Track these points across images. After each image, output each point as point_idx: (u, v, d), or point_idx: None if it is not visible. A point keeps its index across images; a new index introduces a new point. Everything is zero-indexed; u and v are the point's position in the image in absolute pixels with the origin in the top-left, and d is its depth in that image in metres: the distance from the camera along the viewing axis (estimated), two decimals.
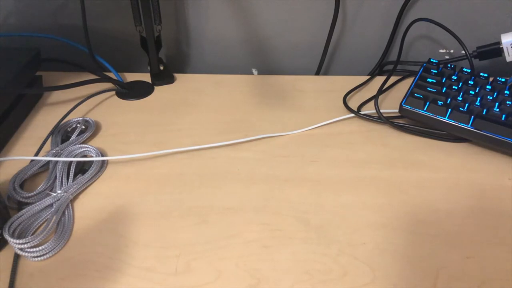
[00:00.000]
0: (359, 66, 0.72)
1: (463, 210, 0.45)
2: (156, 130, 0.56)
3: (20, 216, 0.42)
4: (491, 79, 0.58)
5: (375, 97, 0.58)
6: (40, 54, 0.61)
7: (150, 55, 0.64)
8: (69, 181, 0.47)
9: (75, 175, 0.48)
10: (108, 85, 0.64)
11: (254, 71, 0.74)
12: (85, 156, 0.51)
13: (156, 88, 0.65)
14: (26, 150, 0.53)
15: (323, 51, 0.69)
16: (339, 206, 0.46)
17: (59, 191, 0.45)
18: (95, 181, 0.49)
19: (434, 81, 0.57)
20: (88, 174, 0.48)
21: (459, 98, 0.55)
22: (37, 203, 0.44)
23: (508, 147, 0.50)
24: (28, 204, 0.45)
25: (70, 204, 0.45)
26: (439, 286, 0.38)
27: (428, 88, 0.56)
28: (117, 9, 0.69)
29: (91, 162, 0.49)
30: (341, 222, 0.44)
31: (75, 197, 0.47)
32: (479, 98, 0.54)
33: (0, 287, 0.38)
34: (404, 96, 0.56)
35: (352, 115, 0.58)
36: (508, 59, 0.60)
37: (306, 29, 0.70)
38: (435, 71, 0.59)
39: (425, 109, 0.54)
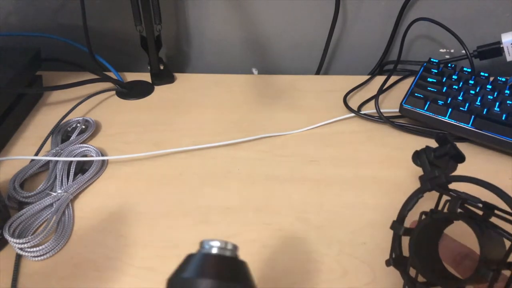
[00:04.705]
0: (360, 66, 0.72)
1: None
2: (156, 130, 0.56)
3: (20, 216, 0.42)
4: (491, 78, 0.58)
5: (375, 97, 0.58)
6: (40, 54, 0.61)
7: (150, 54, 0.64)
8: (69, 180, 0.47)
9: (75, 174, 0.48)
10: (108, 85, 0.64)
11: (254, 71, 0.74)
12: (85, 155, 0.51)
13: (156, 87, 0.65)
14: (26, 149, 0.53)
15: (323, 51, 0.69)
16: (339, 206, 0.45)
17: (59, 191, 0.45)
18: (95, 180, 0.49)
19: (435, 80, 0.57)
20: (88, 174, 0.48)
21: (460, 98, 0.55)
22: (37, 203, 0.44)
23: (509, 147, 0.50)
24: (28, 203, 0.45)
25: (70, 204, 0.45)
26: None
27: (428, 88, 0.56)
28: (117, 9, 0.68)
29: (91, 162, 0.49)
30: (341, 221, 0.44)
31: (75, 197, 0.47)
32: (479, 98, 0.54)
33: (0, 287, 0.38)
34: (405, 96, 0.56)
35: (353, 114, 0.58)
36: (509, 58, 0.60)
37: (306, 29, 0.69)
38: (436, 71, 0.59)
39: (425, 108, 0.54)
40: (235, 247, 0.26)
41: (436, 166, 0.34)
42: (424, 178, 0.34)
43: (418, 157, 0.35)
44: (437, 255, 0.34)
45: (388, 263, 0.34)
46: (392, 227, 0.34)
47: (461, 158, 0.34)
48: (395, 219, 0.34)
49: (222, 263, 0.25)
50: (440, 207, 0.32)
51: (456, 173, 0.49)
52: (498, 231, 0.29)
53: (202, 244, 0.26)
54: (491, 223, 0.31)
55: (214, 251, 0.25)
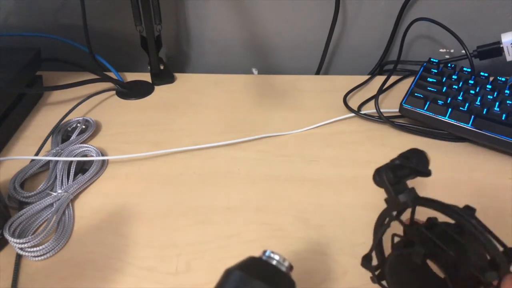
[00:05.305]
0: (360, 66, 0.72)
1: None
2: (156, 130, 0.56)
3: (21, 216, 0.42)
4: (491, 78, 0.58)
5: (375, 97, 0.58)
6: (40, 54, 0.61)
7: (150, 54, 0.64)
8: (69, 180, 0.47)
9: (76, 174, 0.48)
10: (108, 84, 0.64)
11: (254, 71, 0.74)
12: (86, 155, 0.51)
13: (156, 87, 0.65)
14: (26, 149, 0.53)
15: (323, 51, 0.69)
16: (339, 206, 0.45)
17: (60, 191, 0.45)
18: (95, 180, 0.49)
19: (435, 80, 0.57)
20: (88, 174, 0.48)
21: (460, 98, 0.55)
22: (38, 203, 0.44)
23: (508, 147, 0.50)
24: (28, 203, 0.45)
25: (70, 204, 0.45)
26: None
27: (428, 88, 0.56)
28: (117, 9, 0.69)
29: (91, 162, 0.49)
30: (341, 221, 0.44)
31: (76, 197, 0.47)
32: (479, 98, 0.54)
33: (1, 287, 0.38)
34: (405, 96, 0.56)
35: (352, 114, 0.58)
36: (508, 58, 0.60)
37: (306, 29, 0.70)
38: (436, 71, 0.59)
39: (425, 108, 0.54)
40: (290, 267, 0.29)
41: (402, 183, 0.31)
42: (389, 203, 0.31)
43: (378, 176, 0.31)
44: (426, 270, 0.34)
45: (373, 280, 0.34)
46: (363, 265, 0.34)
47: (425, 175, 0.31)
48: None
49: (275, 273, 0.28)
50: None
51: (454, 172, 0.49)
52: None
53: (264, 252, 0.29)
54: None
55: (273, 262, 0.29)
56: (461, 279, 0.28)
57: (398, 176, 0.30)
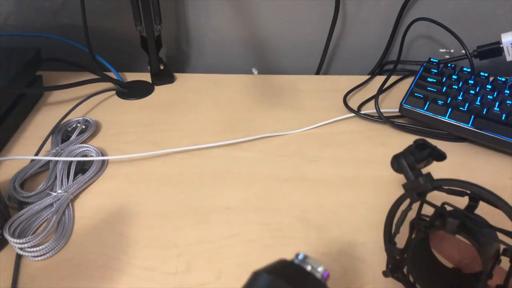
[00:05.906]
0: (360, 66, 0.72)
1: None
2: (156, 130, 0.56)
3: (21, 216, 0.42)
4: (491, 78, 0.58)
5: (375, 97, 0.58)
6: (40, 54, 0.62)
7: (150, 54, 0.64)
8: (69, 180, 0.47)
9: (75, 174, 0.48)
10: (108, 84, 0.64)
11: (254, 71, 0.74)
12: (85, 155, 0.51)
13: (156, 87, 0.65)
14: (26, 149, 0.53)
15: (323, 51, 0.69)
16: (339, 206, 0.45)
17: (60, 191, 0.45)
18: (95, 180, 0.49)
19: (435, 80, 0.57)
20: (88, 174, 0.48)
21: (459, 98, 0.55)
22: (38, 203, 0.44)
23: (508, 147, 0.50)
24: (28, 203, 0.45)
25: (70, 204, 0.45)
26: None
27: (428, 88, 0.56)
28: (117, 9, 0.68)
29: (91, 162, 0.49)
30: (341, 221, 0.44)
31: (76, 197, 0.47)
32: (479, 98, 0.54)
33: (1, 287, 0.38)
34: (405, 96, 0.56)
35: (352, 114, 0.58)
36: (508, 58, 0.60)
37: (306, 29, 0.70)
38: (435, 71, 0.59)
39: (425, 108, 0.54)
40: (327, 274, 0.26)
41: (417, 169, 0.32)
42: (409, 187, 0.32)
43: (397, 162, 0.32)
44: (434, 257, 0.34)
45: (386, 274, 0.34)
46: (387, 249, 0.34)
47: (441, 157, 0.32)
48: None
49: (309, 280, 0.25)
50: (420, 209, 0.32)
51: (454, 172, 0.49)
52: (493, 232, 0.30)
53: (297, 255, 0.26)
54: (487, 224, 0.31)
55: (307, 267, 0.25)
56: (494, 252, 0.29)
57: (418, 160, 0.31)
